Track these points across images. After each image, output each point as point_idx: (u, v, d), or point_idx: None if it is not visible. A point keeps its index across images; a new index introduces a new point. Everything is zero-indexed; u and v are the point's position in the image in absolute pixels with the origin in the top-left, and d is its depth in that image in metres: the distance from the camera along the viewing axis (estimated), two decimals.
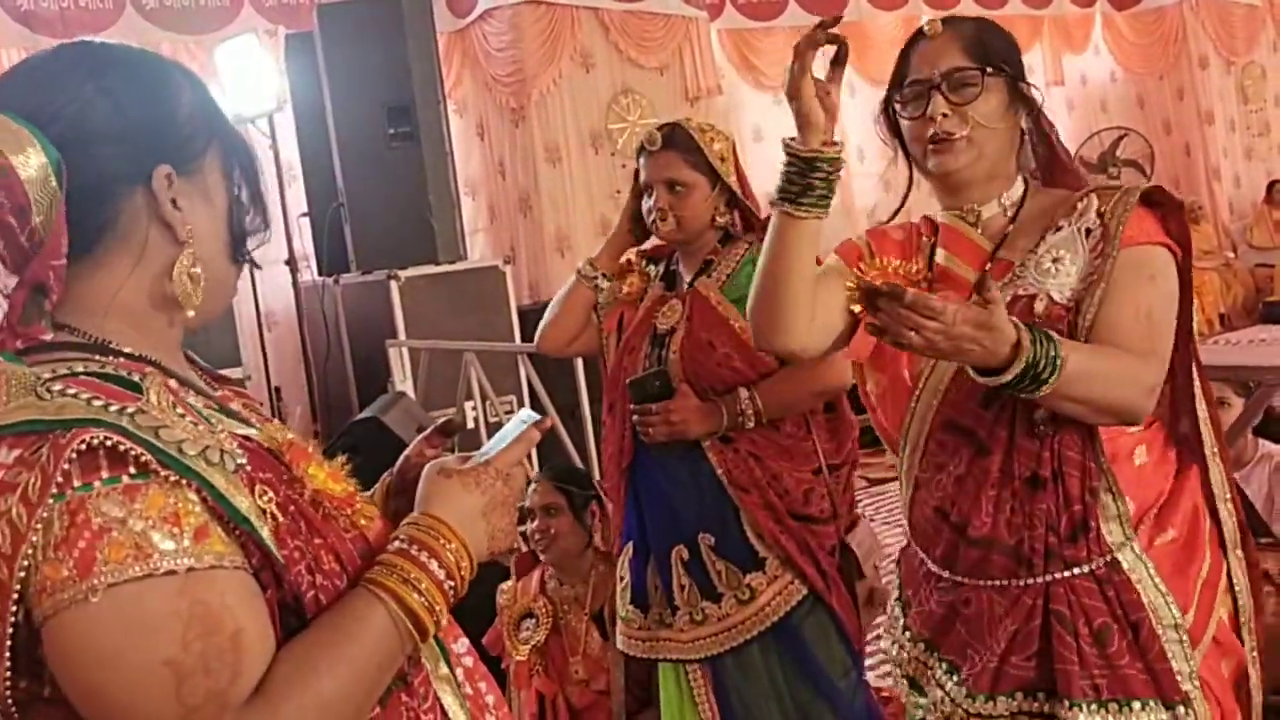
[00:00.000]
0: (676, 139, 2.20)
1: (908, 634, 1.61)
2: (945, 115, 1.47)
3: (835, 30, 1.42)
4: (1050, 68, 10.20)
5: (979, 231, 1.54)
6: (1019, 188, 1.54)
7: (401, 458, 1.22)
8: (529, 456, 1.14)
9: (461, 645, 1.10)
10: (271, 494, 0.91)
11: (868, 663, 2.37)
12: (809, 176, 1.45)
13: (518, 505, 1.04)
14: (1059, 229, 1.46)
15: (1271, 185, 11.11)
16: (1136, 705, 1.41)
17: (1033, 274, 1.45)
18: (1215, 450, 1.53)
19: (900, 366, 1.53)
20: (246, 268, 1.03)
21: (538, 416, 1.12)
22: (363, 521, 0.99)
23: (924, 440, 1.52)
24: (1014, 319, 1.31)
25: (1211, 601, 1.49)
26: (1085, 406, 1.38)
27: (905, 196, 1.62)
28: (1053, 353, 1.30)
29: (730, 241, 2.25)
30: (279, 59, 5.35)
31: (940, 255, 1.57)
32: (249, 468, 0.90)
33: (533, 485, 2.84)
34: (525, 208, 7.11)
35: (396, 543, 0.96)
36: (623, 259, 2.41)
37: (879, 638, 3.43)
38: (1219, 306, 9.29)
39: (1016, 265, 1.48)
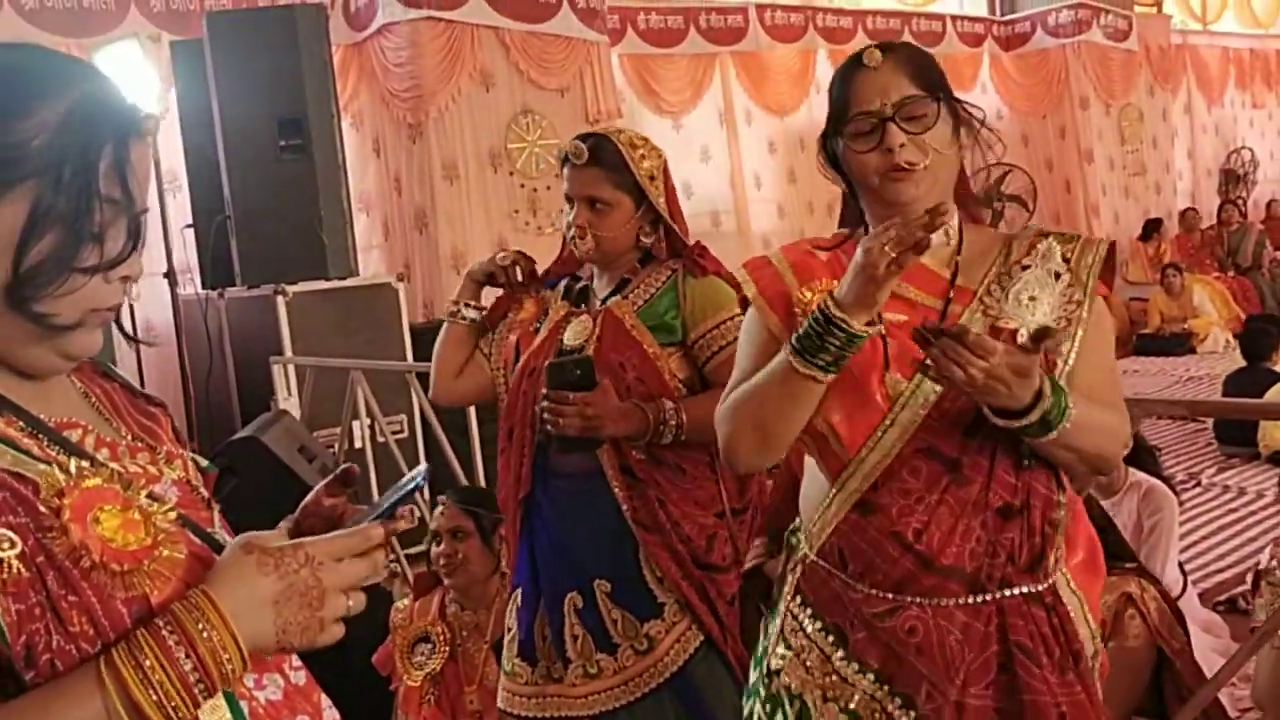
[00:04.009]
0: (603, 154, 2.05)
1: (854, 666, 1.49)
2: (903, 145, 1.44)
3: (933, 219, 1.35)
4: None
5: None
6: (955, 216, 1.54)
7: (300, 508, 1.14)
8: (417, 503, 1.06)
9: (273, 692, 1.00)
10: (16, 541, 0.84)
11: None
12: (825, 339, 1.38)
13: (329, 600, 0.92)
14: (1025, 268, 1.49)
15: (1146, 223, 11.64)
16: None
17: (1011, 308, 1.46)
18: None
19: (871, 386, 1.46)
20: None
21: (423, 476, 1.05)
22: (147, 583, 0.90)
23: (886, 465, 1.45)
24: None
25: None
26: (1074, 455, 1.42)
27: (856, 228, 1.58)
28: (1064, 403, 1.35)
29: (651, 263, 2.14)
30: (163, 66, 5.19)
31: None
32: None
33: (439, 508, 2.76)
34: (421, 225, 7.02)
35: (159, 618, 0.88)
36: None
37: None
38: None
39: (982, 292, 1.49)
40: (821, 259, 1.57)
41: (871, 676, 1.48)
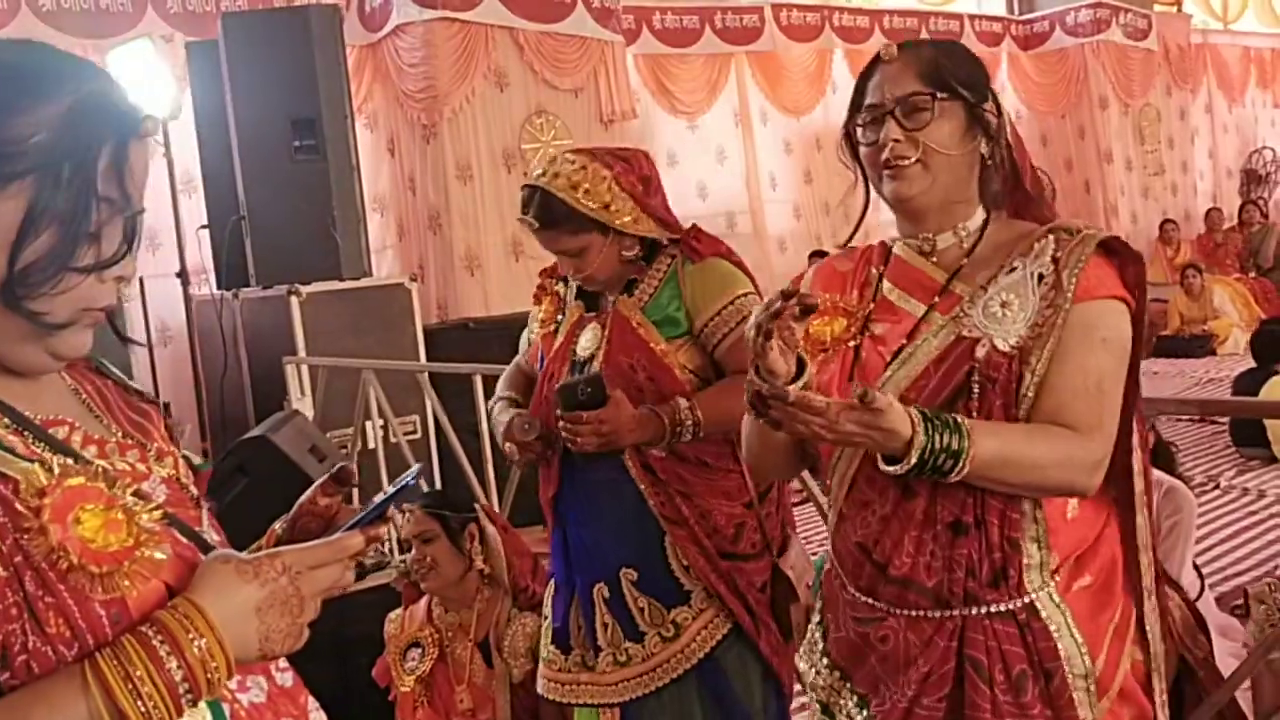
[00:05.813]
0: (549, 213, 2.08)
1: (825, 660, 1.59)
2: (897, 140, 1.45)
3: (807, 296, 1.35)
4: None
5: (933, 262, 1.51)
6: (978, 217, 1.51)
7: (295, 507, 1.14)
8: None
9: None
10: None
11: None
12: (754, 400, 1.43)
13: (307, 610, 0.93)
14: (1013, 270, 1.43)
15: (1164, 224, 11.55)
16: None
17: (979, 317, 1.42)
18: (1144, 499, 1.50)
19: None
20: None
21: (414, 477, 1.06)
22: (126, 583, 0.89)
23: (851, 474, 1.50)
24: (911, 410, 1.32)
25: (1120, 651, 1.47)
26: (1011, 488, 1.38)
27: (860, 221, 1.59)
28: (955, 446, 1.31)
29: (655, 256, 2.15)
30: (178, 66, 5.22)
31: (886, 287, 1.54)
32: None
33: (406, 514, 2.77)
34: (435, 225, 7.03)
35: (145, 625, 0.87)
36: (538, 283, 2.32)
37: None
38: None
39: (965, 301, 1.45)
40: (843, 270, 1.60)
41: (837, 673, 1.55)
